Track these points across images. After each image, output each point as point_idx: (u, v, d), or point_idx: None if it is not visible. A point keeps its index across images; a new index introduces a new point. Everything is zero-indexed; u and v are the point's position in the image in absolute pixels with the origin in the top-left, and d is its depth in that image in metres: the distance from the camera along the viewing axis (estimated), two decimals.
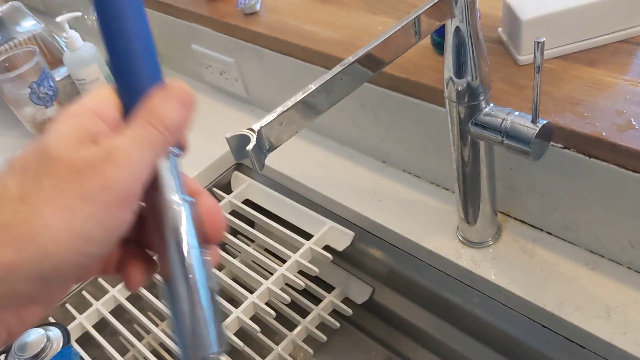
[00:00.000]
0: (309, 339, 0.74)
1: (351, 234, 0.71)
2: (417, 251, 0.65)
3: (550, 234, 0.61)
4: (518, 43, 0.59)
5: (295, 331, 0.73)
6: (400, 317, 0.76)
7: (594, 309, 0.54)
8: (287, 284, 0.71)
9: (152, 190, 0.29)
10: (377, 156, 0.75)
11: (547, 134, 0.49)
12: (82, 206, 0.25)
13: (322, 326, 0.74)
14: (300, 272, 0.72)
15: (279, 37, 0.75)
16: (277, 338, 0.73)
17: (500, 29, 0.64)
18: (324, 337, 0.72)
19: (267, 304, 0.69)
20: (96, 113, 0.27)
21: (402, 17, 0.45)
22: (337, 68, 0.41)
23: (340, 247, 0.72)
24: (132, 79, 0.28)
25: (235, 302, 0.69)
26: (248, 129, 0.37)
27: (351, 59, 0.42)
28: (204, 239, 0.29)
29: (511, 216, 0.64)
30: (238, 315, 0.67)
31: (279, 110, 0.38)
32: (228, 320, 0.67)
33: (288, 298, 0.68)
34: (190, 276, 0.28)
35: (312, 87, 0.40)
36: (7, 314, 0.26)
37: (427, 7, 0.45)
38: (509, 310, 0.59)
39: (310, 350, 0.72)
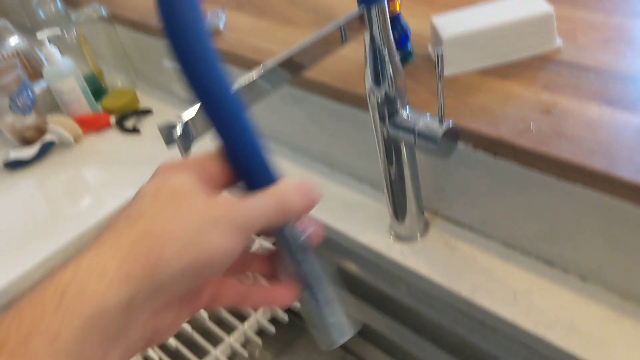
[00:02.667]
0: (260, 332, 0.79)
1: None
2: (355, 246, 0.72)
3: (471, 229, 0.67)
4: None
5: (246, 323, 0.79)
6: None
7: (502, 294, 0.60)
8: None
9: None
10: (325, 162, 0.82)
11: (454, 135, 0.56)
12: (207, 218, 0.30)
13: (273, 321, 0.80)
14: None
15: (239, 54, 0.82)
16: (227, 329, 0.79)
17: (429, 46, 0.71)
18: (272, 329, 0.78)
19: None
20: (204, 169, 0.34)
21: None
22: (260, 70, 0.48)
23: None
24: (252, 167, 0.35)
25: None
26: (178, 118, 0.44)
27: (271, 63, 0.49)
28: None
29: (439, 214, 0.70)
30: None
31: None
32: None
33: None
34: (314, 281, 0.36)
35: (238, 85, 0.47)
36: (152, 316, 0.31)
37: (345, 20, 0.52)
38: (431, 298, 0.65)
39: (259, 341, 0.77)
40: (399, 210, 0.66)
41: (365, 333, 0.81)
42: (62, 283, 0.28)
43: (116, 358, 0.29)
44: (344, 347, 0.86)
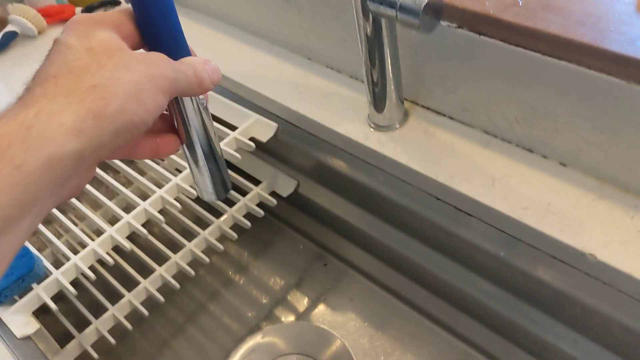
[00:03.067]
0: (235, 227, 0.78)
1: (275, 125, 0.75)
2: (331, 136, 0.69)
3: (451, 118, 0.66)
4: None
5: (222, 218, 0.77)
6: (323, 208, 0.81)
7: (481, 179, 0.59)
8: None
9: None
10: (303, 53, 0.78)
11: (437, 9, 0.53)
12: (145, 76, 0.31)
13: (249, 217, 0.79)
14: (229, 166, 0.76)
15: None
16: (203, 224, 0.78)
17: None
18: (248, 223, 0.77)
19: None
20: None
21: None
22: None
23: (264, 138, 0.76)
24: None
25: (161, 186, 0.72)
26: None
27: None
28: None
29: (418, 104, 0.68)
30: (161, 195, 0.71)
31: None
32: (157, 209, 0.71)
33: None
34: (201, 142, 0.40)
35: None
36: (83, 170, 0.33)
37: None
38: (407, 186, 0.64)
39: (234, 235, 0.76)
40: (378, 98, 0.64)
41: (341, 228, 0.81)
42: (27, 120, 0.29)
43: (51, 205, 0.32)
44: (320, 244, 0.86)
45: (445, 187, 0.60)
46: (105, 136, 0.30)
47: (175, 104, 0.38)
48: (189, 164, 0.42)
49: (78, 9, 0.94)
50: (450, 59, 0.60)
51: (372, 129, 0.67)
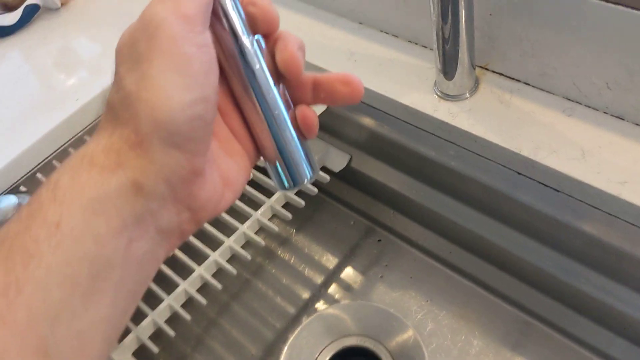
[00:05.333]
0: (287, 205, 0.74)
1: None
2: (394, 109, 0.64)
3: (527, 84, 0.60)
4: None
5: (273, 198, 0.73)
6: (377, 182, 0.76)
7: (569, 151, 0.54)
8: None
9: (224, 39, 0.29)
10: (353, 17, 0.73)
11: None
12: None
13: (301, 194, 0.75)
14: None
15: None
16: (254, 205, 0.74)
17: None
18: (302, 202, 0.73)
19: None
20: None
21: None
22: None
23: (318, 110, 0.70)
24: None
25: None
26: None
27: None
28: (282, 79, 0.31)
29: (489, 69, 0.63)
30: None
31: None
32: None
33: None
34: (276, 112, 0.30)
35: None
36: (178, 191, 0.27)
37: None
38: (484, 160, 0.59)
39: (289, 214, 0.72)
40: (448, 63, 0.58)
41: (397, 202, 0.76)
42: (53, 178, 0.25)
43: (148, 245, 0.26)
44: (373, 219, 0.81)
45: (528, 161, 0.55)
46: (157, 147, 0.25)
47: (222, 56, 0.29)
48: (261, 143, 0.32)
49: None
50: (532, 19, 0.54)
51: (440, 99, 0.62)
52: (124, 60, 0.26)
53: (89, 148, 0.26)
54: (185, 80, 0.25)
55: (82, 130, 0.72)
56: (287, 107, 0.31)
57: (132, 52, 0.26)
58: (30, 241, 0.23)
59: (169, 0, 0.26)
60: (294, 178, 0.32)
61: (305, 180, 0.32)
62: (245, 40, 0.29)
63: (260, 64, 0.29)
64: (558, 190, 0.54)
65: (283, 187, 0.32)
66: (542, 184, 0.55)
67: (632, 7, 0.47)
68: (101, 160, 0.25)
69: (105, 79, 0.74)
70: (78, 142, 0.72)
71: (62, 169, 0.26)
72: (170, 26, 0.25)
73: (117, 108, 0.26)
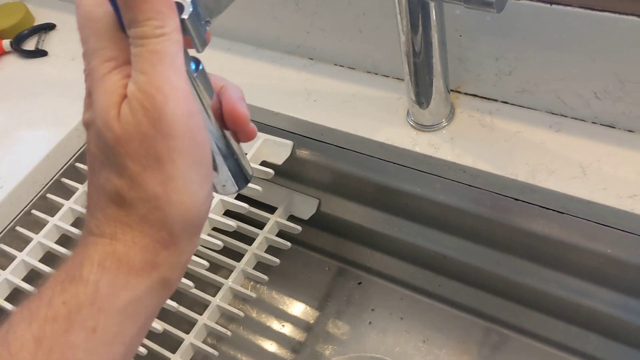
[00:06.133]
0: (260, 266, 0.67)
1: (290, 143, 0.63)
2: (367, 147, 0.59)
3: (506, 102, 0.57)
4: None
5: (243, 261, 0.66)
6: (351, 223, 0.71)
7: (568, 170, 0.51)
8: (228, 210, 0.63)
9: None
10: (302, 53, 0.67)
11: None
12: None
13: (272, 250, 0.68)
14: (240, 197, 0.64)
15: None
16: (224, 272, 0.66)
17: None
18: (277, 260, 0.66)
19: (209, 234, 0.61)
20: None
21: None
22: None
23: (279, 159, 0.64)
24: None
25: None
26: None
27: None
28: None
29: (461, 92, 0.59)
30: None
31: None
32: None
33: (234, 224, 0.61)
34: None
35: None
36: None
37: None
38: (476, 190, 0.55)
39: (265, 277, 0.65)
40: (422, 92, 0.54)
41: (374, 242, 0.71)
42: (91, 279, 0.26)
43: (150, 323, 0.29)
44: (349, 262, 0.76)
45: (527, 186, 0.51)
46: (185, 241, 0.28)
47: None
48: None
49: (6, 42, 0.78)
50: (507, 38, 0.51)
51: (417, 130, 0.57)
52: (136, 156, 0.25)
53: (123, 248, 0.26)
54: (203, 170, 0.27)
55: None
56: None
57: (147, 151, 0.25)
58: (68, 347, 0.25)
59: (172, 92, 0.25)
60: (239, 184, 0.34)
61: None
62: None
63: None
64: (563, 212, 0.51)
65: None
66: (544, 207, 0.52)
67: (621, 13, 0.44)
68: (138, 263, 0.26)
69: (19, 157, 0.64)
70: None
71: (100, 270, 0.26)
72: (185, 124, 0.26)
73: (137, 207, 0.26)
